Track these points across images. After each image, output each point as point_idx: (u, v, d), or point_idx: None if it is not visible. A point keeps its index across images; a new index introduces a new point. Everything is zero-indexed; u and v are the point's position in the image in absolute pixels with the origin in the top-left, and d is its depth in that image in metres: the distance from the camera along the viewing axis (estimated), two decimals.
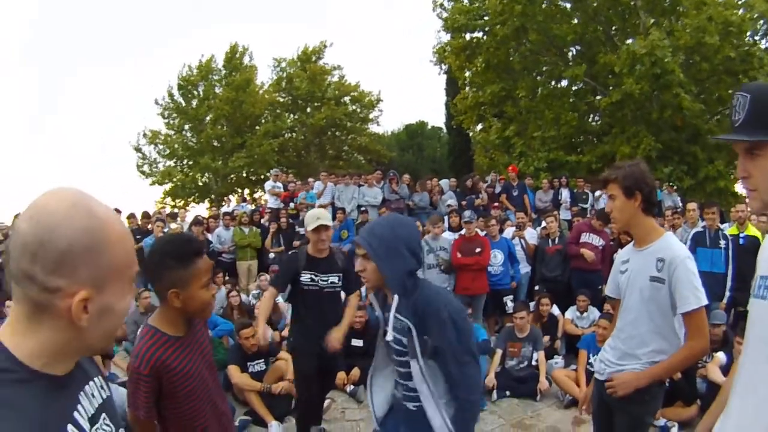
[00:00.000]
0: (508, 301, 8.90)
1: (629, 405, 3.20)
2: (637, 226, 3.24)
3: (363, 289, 9.52)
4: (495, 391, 7.08)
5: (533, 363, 7.39)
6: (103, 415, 1.36)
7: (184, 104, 31.92)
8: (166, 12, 66.56)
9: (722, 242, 8.18)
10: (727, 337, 6.69)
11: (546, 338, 8.02)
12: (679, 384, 6.15)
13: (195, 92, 31.99)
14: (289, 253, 5.87)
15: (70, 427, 1.21)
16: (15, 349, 1.17)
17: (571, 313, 8.73)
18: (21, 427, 1.07)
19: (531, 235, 10.37)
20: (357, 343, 7.62)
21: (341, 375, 7.05)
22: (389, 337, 2.77)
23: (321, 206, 12.88)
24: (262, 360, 6.98)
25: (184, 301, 2.58)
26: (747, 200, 1.76)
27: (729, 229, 8.74)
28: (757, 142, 1.67)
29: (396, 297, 2.73)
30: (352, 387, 7.21)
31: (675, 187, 16.10)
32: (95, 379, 1.39)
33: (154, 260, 2.64)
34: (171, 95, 31.94)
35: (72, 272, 1.16)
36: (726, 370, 6.07)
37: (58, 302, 1.16)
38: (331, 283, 5.09)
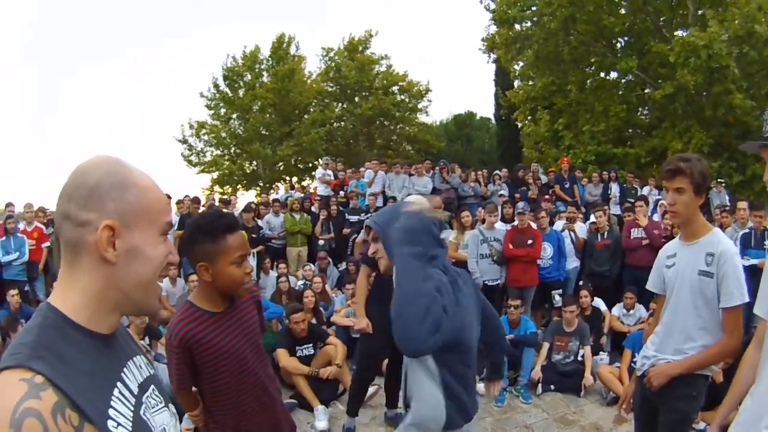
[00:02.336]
0: (557, 295, 8.90)
1: (676, 401, 3.22)
2: (692, 223, 3.24)
3: None
4: (540, 385, 7.16)
5: (579, 358, 7.38)
6: (152, 386, 1.44)
7: (230, 94, 32.13)
8: (165, 11, 67.72)
9: (767, 243, 8.15)
10: None
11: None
12: (721, 388, 6.10)
13: (241, 82, 32.18)
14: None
15: (119, 385, 1.29)
16: (62, 305, 1.25)
17: (617, 309, 8.70)
18: (73, 381, 1.13)
19: (581, 228, 10.31)
20: None
21: None
22: None
23: (372, 194, 13.08)
24: (311, 344, 7.05)
25: (214, 276, 2.66)
26: None
27: None
28: None
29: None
30: None
31: (724, 184, 15.79)
32: (140, 356, 1.47)
33: (187, 233, 2.74)
34: (216, 86, 32.19)
35: (100, 206, 1.25)
36: None
37: (89, 237, 1.25)
38: None
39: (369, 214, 12.07)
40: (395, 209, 2.90)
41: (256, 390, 2.90)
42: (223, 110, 32.57)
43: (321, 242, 12.23)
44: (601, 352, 8.02)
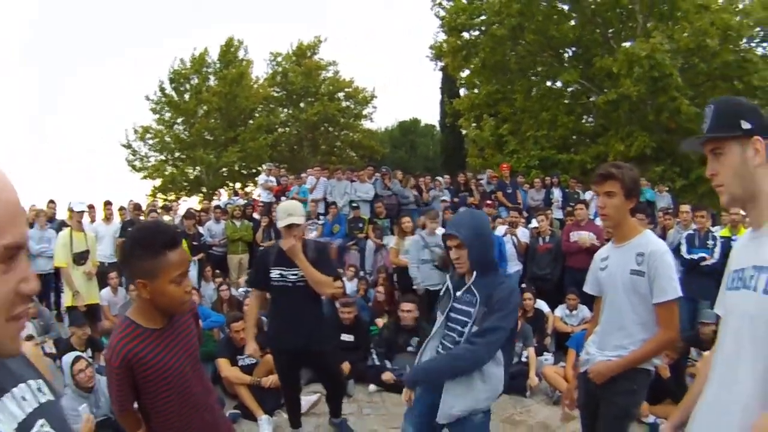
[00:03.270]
0: None
1: (616, 396, 3.32)
2: (622, 226, 3.39)
3: (347, 283, 9.55)
4: None
5: (523, 359, 7.38)
6: (41, 421, 1.22)
7: (176, 98, 31.86)
8: (165, 11, 66.27)
9: (710, 243, 8.36)
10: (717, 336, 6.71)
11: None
12: (668, 382, 6.19)
13: (188, 85, 31.96)
14: (260, 249, 5.77)
15: None
16: None
17: (561, 310, 8.76)
18: None
19: (523, 233, 10.34)
20: (347, 338, 7.60)
21: (345, 367, 7.01)
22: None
23: (314, 201, 13.01)
24: None
25: (152, 294, 2.51)
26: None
27: (721, 231, 8.91)
28: (719, 142, 1.97)
29: (474, 275, 3.42)
30: None
31: (668, 188, 16.18)
32: (30, 382, 1.27)
33: (125, 246, 2.60)
34: (162, 89, 31.91)
35: None
36: None
37: None
38: (301, 277, 4.87)
39: (310, 221, 11.96)
40: (476, 224, 3.52)
41: (199, 406, 2.80)
42: (168, 114, 32.24)
43: (262, 249, 12.07)
44: (545, 353, 8.04)
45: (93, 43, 64.33)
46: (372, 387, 7.17)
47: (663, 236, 9.61)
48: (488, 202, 12.41)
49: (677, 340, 3.45)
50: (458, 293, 3.53)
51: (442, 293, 3.74)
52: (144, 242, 2.52)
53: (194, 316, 2.96)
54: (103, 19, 61.72)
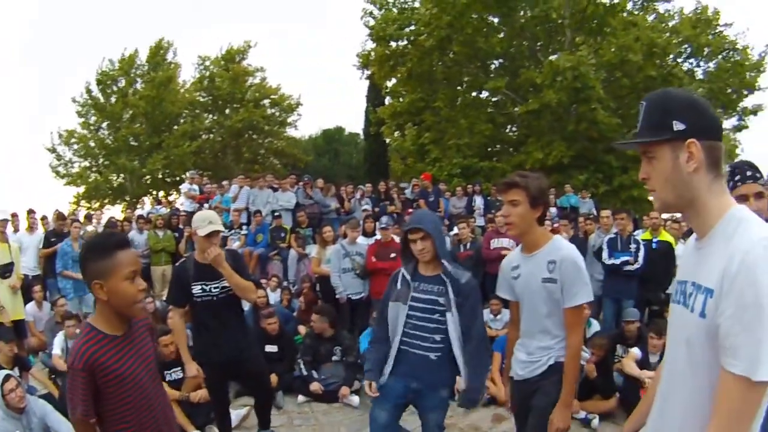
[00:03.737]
0: None
1: (551, 386, 3.38)
2: (530, 235, 3.41)
3: (270, 293, 9.55)
4: None
5: None
6: None
7: (102, 100, 31.12)
8: (161, 12, 65.82)
9: (632, 246, 8.57)
10: (641, 333, 7.03)
11: None
12: (596, 380, 6.43)
13: (115, 88, 31.21)
14: (176, 264, 5.58)
15: None
16: None
17: (485, 315, 8.91)
18: None
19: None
20: (271, 349, 7.53)
21: (272, 379, 6.90)
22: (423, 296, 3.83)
23: (236, 210, 12.85)
24: (180, 368, 6.84)
25: (108, 294, 2.60)
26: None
27: (642, 235, 9.24)
28: (650, 146, 1.77)
29: (445, 264, 3.82)
30: None
31: (590, 194, 16.77)
32: None
33: (81, 254, 2.71)
34: (89, 91, 31.07)
35: None
36: (641, 364, 6.51)
37: None
38: (223, 288, 4.87)
39: (233, 231, 11.89)
40: (433, 218, 4.05)
41: (157, 417, 2.85)
42: (93, 118, 31.45)
43: None
44: None
45: (93, 43, 63.78)
46: (300, 398, 7.19)
47: (584, 241, 9.92)
48: (410, 210, 12.57)
49: (582, 341, 3.47)
50: (417, 283, 3.89)
51: (398, 284, 3.98)
52: (96, 245, 2.67)
53: (150, 330, 3.01)
54: (103, 19, 61.38)
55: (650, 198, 1.93)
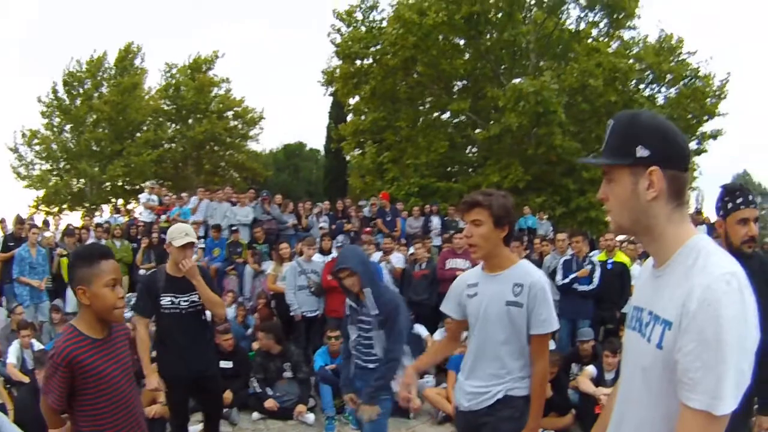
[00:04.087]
0: None
1: (500, 422, 3.20)
2: (495, 256, 3.24)
3: (227, 309, 9.54)
4: None
5: None
6: None
7: (67, 102, 30.70)
8: (158, 12, 67.09)
9: (588, 267, 8.80)
10: (596, 352, 7.25)
11: None
12: (552, 398, 6.50)
13: (81, 90, 30.81)
14: (147, 273, 5.58)
15: None
16: None
17: (439, 334, 8.85)
18: None
19: (397, 259, 10.64)
20: (226, 365, 7.46)
21: (227, 395, 6.98)
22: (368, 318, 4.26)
23: (195, 223, 12.63)
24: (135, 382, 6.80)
25: (91, 298, 2.85)
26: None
27: (598, 256, 9.48)
28: (610, 168, 1.73)
29: (368, 293, 4.20)
30: (225, 409, 6.88)
31: (547, 216, 17.07)
32: None
33: (69, 262, 3.04)
34: (55, 91, 30.62)
35: None
36: (596, 381, 6.72)
37: None
38: (192, 302, 4.88)
39: None
40: (358, 253, 4.53)
41: (131, 420, 3.03)
42: (57, 120, 31.03)
43: (142, 272, 11.85)
44: (426, 375, 8.19)
45: (93, 43, 64.31)
46: (255, 415, 7.21)
47: (540, 262, 10.17)
48: (366, 229, 12.68)
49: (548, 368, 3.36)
50: (361, 307, 4.34)
51: (348, 312, 4.51)
52: (82, 254, 2.99)
53: (130, 341, 3.27)
54: (103, 19, 62.27)
55: (608, 219, 1.90)
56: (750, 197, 3.27)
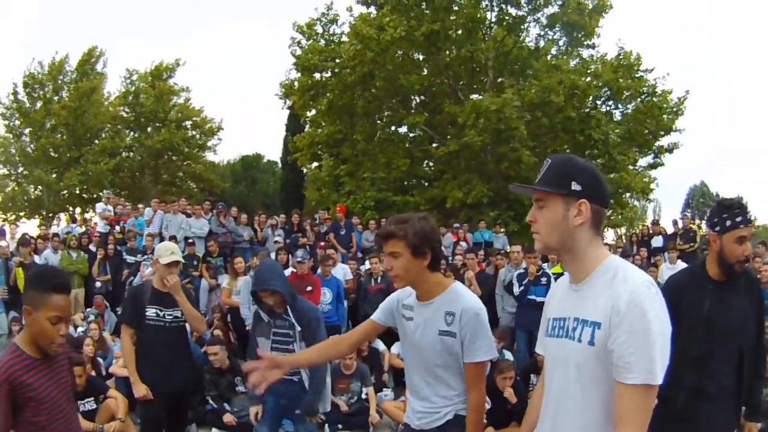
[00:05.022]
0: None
1: None
2: (422, 284, 3.02)
3: None
4: (327, 426, 7.16)
5: (363, 397, 7.61)
6: None
7: (27, 105, 30.25)
8: (159, 12, 66.88)
9: (543, 279, 9.09)
10: None
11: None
12: (516, 406, 6.65)
13: (41, 93, 30.33)
14: (134, 285, 5.70)
15: None
16: None
17: (397, 347, 8.86)
18: None
19: (344, 272, 10.72)
20: None
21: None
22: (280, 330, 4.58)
23: (149, 235, 12.58)
24: (92, 399, 6.67)
25: (31, 323, 2.88)
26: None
27: (552, 268, 9.91)
28: (546, 195, 2.06)
29: (288, 307, 4.46)
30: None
31: (503, 230, 17.27)
32: None
33: (29, 276, 2.96)
34: (15, 93, 30.14)
35: None
36: None
37: None
38: (175, 317, 5.01)
39: (147, 256, 11.71)
40: (276, 271, 4.68)
41: None
42: (17, 122, 30.49)
43: (98, 284, 11.71)
44: (384, 389, 8.35)
45: (92, 42, 61.52)
46: (214, 431, 7.20)
47: (495, 275, 10.38)
48: (321, 243, 12.70)
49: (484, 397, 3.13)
50: (275, 320, 4.60)
51: (254, 323, 4.81)
52: (40, 276, 2.98)
53: (68, 360, 3.29)
54: (103, 19, 64.02)
55: (534, 237, 2.16)
56: (748, 215, 3.33)
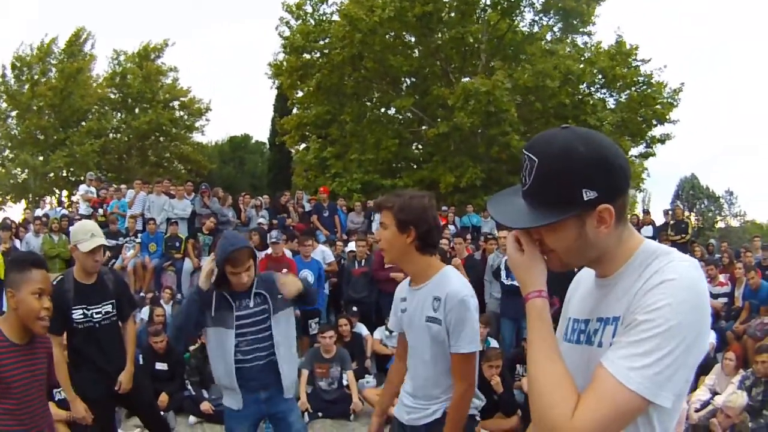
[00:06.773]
0: (313, 323, 9.00)
1: None
2: (409, 264, 2.96)
3: (165, 306, 9.28)
4: (307, 413, 7.01)
5: (344, 383, 7.50)
6: None
7: (15, 86, 29.96)
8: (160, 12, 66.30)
9: None
10: None
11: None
12: (501, 397, 6.58)
13: (29, 75, 30.06)
14: (53, 283, 4.97)
15: None
16: None
17: (379, 333, 8.87)
18: None
19: (324, 254, 10.49)
20: (161, 366, 7.34)
21: (163, 398, 6.90)
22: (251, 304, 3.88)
23: (132, 216, 12.45)
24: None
25: (17, 304, 2.94)
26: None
27: None
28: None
29: (256, 279, 3.89)
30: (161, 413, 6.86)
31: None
32: None
33: (6, 264, 3.06)
34: (3, 76, 29.96)
35: None
36: None
37: None
38: (106, 313, 4.47)
39: (128, 238, 11.54)
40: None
41: (33, 428, 3.06)
42: (3, 105, 30.27)
43: None
44: (366, 375, 8.22)
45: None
46: (192, 418, 7.05)
47: (483, 260, 10.21)
48: (301, 225, 12.58)
49: (474, 391, 2.95)
50: (239, 302, 3.88)
51: (213, 310, 3.86)
52: (16, 259, 3.24)
53: (48, 353, 3.28)
54: (103, 19, 62.27)
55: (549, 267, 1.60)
56: None
